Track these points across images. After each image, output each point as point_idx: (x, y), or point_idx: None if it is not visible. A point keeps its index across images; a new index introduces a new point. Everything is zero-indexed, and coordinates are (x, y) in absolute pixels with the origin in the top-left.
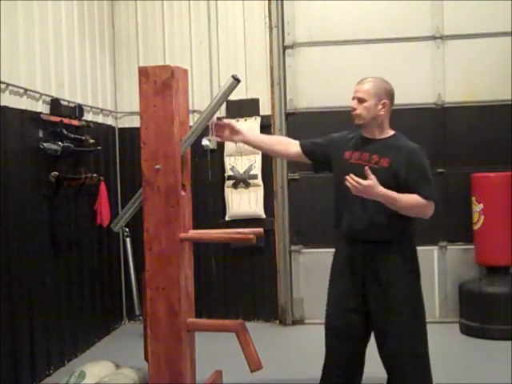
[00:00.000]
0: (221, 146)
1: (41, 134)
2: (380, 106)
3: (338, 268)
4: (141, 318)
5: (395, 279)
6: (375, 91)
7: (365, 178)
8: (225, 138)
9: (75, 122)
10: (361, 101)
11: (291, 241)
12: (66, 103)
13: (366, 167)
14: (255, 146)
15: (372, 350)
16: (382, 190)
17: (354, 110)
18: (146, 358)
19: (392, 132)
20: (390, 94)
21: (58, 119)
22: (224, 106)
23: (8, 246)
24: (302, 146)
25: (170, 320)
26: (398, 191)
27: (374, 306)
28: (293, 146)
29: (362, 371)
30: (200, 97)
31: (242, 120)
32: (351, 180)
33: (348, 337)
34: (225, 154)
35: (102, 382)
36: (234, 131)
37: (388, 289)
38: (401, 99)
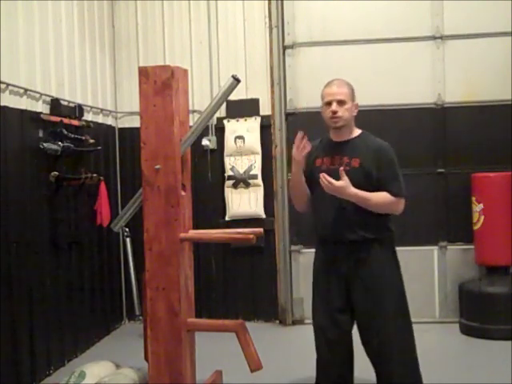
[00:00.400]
0: (221, 145)
1: (41, 134)
2: (353, 108)
3: (321, 269)
4: (141, 317)
5: (377, 277)
6: (350, 93)
7: (339, 179)
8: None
9: (75, 122)
10: (341, 103)
11: (291, 241)
12: (66, 103)
13: (341, 168)
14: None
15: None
16: (353, 190)
17: (335, 113)
18: (146, 358)
19: (359, 131)
20: (354, 95)
21: (58, 119)
22: (224, 105)
23: (8, 246)
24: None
25: (170, 320)
26: (371, 190)
27: (358, 304)
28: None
29: (352, 366)
30: (200, 97)
31: (242, 120)
32: (324, 179)
33: (337, 336)
34: (225, 154)
35: (102, 382)
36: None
37: (371, 287)
38: (401, 99)
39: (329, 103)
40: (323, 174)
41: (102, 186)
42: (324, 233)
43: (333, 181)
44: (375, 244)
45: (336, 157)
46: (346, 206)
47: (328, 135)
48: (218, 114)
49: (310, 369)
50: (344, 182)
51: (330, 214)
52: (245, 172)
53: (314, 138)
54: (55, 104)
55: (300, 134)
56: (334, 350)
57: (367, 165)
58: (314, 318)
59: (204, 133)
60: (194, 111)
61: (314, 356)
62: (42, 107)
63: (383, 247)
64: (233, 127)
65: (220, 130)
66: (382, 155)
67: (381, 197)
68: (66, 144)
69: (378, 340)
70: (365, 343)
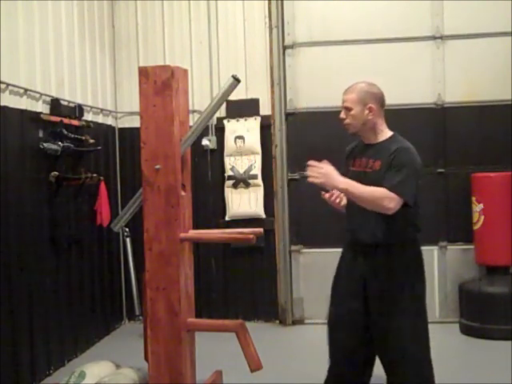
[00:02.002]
0: (221, 145)
1: (41, 134)
2: (367, 111)
3: (342, 271)
4: (141, 317)
5: (396, 283)
6: (359, 97)
7: (363, 182)
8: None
9: (75, 122)
10: (348, 109)
11: (291, 241)
12: (66, 103)
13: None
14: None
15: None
16: (338, 179)
17: (343, 119)
18: (146, 358)
19: (389, 134)
20: (377, 98)
21: (58, 119)
22: (224, 105)
23: (8, 246)
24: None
25: (170, 320)
26: None
27: (374, 308)
28: None
29: (370, 366)
30: (200, 97)
31: (242, 120)
32: (310, 167)
33: (352, 329)
34: (225, 154)
35: (102, 381)
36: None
37: (389, 292)
38: (401, 99)
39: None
40: (310, 161)
41: (102, 186)
42: (348, 236)
43: (318, 165)
44: (395, 249)
45: (364, 159)
46: (373, 212)
47: (361, 138)
48: (217, 114)
49: (309, 369)
50: (325, 169)
51: (354, 219)
52: (245, 172)
53: (314, 138)
54: (55, 104)
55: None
56: (349, 342)
57: (385, 166)
58: (330, 314)
59: (204, 133)
60: (194, 111)
61: (314, 356)
62: (42, 107)
63: (403, 253)
64: (233, 127)
65: (220, 130)
66: (397, 155)
67: (366, 188)
68: (66, 144)
69: (392, 347)
70: (378, 349)
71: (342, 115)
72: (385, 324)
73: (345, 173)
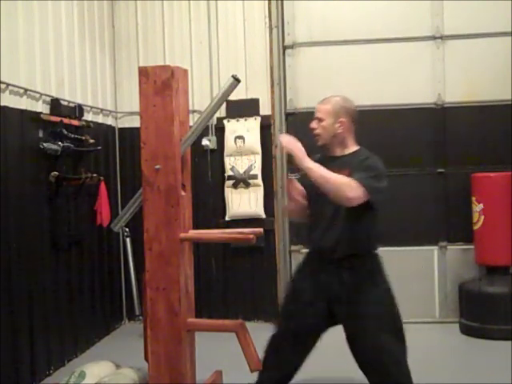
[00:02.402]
0: (221, 145)
1: (41, 134)
2: (338, 125)
3: (302, 281)
4: (141, 317)
5: (362, 291)
6: (333, 110)
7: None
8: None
9: (75, 122)
10: (320, 120)
11: (291, 241)
12: (66, 103)
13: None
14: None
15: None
16: (307, 157)
17: (313, 129)
18: (146, 358)
19: (355, 148)
20: (350, 113)
21: (58, 119)
22: (224, 105)
23: (8, 245)
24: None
25: (170, 320)
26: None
27: (344, 319)
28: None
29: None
30: (200, 97)
31: (242, 120)
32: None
33: (302, 343)
34: (225, 153)
35: (102, 382)
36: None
37: (358, 302)
38: (401, 99)
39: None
40: (282, 134)
41: (102, 186)
42: (313, 246)
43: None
44: (359, 259)
45: (332, 167)
46: (338, 223)
47: (325, 151)
48: (217, 114)
49: (309, 369)
50: (293, 144)
51: (321, 229)
52: (245, 172)
53: (314, 138)
54: (55, 104)
55: (288, 181)
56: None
57: (355, 172)
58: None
59: (204, 133)
60: (194, 111)
61: (314, 356)
62: (42, 107)
63: (367, 261)
64: (233, 127)
65: (220, 130)
66: (366, 161)
67: (333, 174)
68: (66, 144)
69: (365, 350)
70: (354, 353)
71: (314, 125)
72: (358, 333)
73: (308, 183)
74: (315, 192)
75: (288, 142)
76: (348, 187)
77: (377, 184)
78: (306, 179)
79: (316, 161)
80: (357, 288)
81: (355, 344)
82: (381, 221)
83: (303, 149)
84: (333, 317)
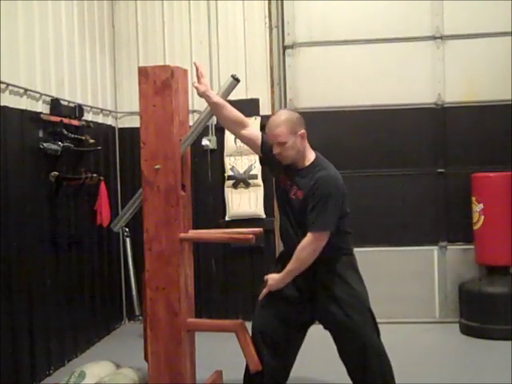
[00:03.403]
0: (221, 145)
1: (41, 134)
2: (299, 139)
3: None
4: (141, 317)
5: (333, 289)
6: (289, 128)
7: (290, 204)
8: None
9: (75, 122)
10: (282, 144)
11: None
12: (66, 103)
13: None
14: (215, 110)
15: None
16: (281, 280)
17: (279, 154)
18: (146, 358)
19: (313, 157)
20: (301, 122)
21: (58, 119)
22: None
23: (8, 245)
24: (262, 145)
25: (170, 320)
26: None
27: (321, 319)
28: (255, 137)
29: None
30: (200, 97)
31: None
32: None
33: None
34: (225, 153)
35: (102, 382)
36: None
37: (331, 299)
38: (401, 99)
39: (272, 144)
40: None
41: (102, 186)
42: (286, 247)
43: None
44: (332, 261)
45: (288, 181)
46: (298, 226)
47: None
48: None
49: (309, 368)
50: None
51: (289, 232)
52: (245, 172)
53: (314, 138)
54: (55, 104)
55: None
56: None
57: (307, 196)
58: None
59: (204, 133)
60: (193, 111)
61: (313, 356)
62: (42, 107)
63: (340, 263)
64: None
65: (220, 130)
66: (319, 186)
67: (297, 260)
68: (65, 144)
69: (352, 354)
70: (341, 356)
71: (277, 150)
72: (336, 331)
73: (277, 178)
74: (283, 199)
75: (272, 287)
76: (311, 252)
77: (330, 217)
78: (279, 187)
79: (285, 169)
80: (329, 286)
81: (338, 338)
82: (349, 224)
83: (275, 279)
84: (310, 317)
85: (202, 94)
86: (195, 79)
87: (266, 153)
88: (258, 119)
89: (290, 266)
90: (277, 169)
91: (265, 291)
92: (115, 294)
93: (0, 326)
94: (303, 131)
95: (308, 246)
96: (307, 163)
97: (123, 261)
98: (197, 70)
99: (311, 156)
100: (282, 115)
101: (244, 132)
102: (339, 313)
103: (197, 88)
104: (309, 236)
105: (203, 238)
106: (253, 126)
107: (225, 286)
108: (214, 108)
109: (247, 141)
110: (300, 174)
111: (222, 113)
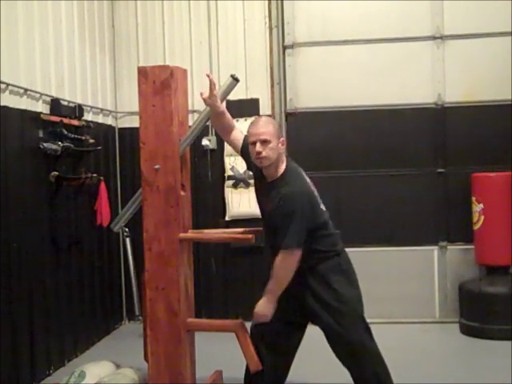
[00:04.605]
0: (221, 145)
1: (41, 134)
2: (280, 145)
3: None
4: (141, 317)
5: (325, 297)
6: (275, 130)
7: (263, 214)
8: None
9: (75, 122)
10: (265, 143)
11: None
12: (65, 103)
13: None
14: (217, 119)
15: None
16: (266, 306)
17: (259, 153)
18: (146, 358)
19: (282, 169)
20: (281, 131)
21: (57, 119)
22: (224, 105)
23: (8, 245)
24: (242, 147)
25: (170, 320)
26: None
27: (313, 322)
28: (238, 140)
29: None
30: (200, 97)
31: (242, 120)
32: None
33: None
34: (225, 154)
35: (102, 382)
36: (212, 94)
37: (320, 308)
38: (401, 99)
39: (254, 143)
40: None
41: (102, 186)
42: (269, 254)
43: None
44: (315, 270)
45: (263, 190)
46: (272, 236)
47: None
48: None
49: (309, 368)
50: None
51: (267, 238)
52: (245, 172)
53: (314, 138)
54: (55, 104)
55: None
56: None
57: (274, 211)
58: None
59: (204, 133)
60: (193, 111)
61: (313, 355)
62: (42, 107)
63: (325, 271)
64: None
65: None
66: (282, 206)
67: (276, 280)
68: (65, 144)
69: (347, 356)
70: (333, 349)
71: (259, 148)
72: (328, 332)
73: (255, 183)
74: (260, 207)
75: (259, 318)
76: (285, 262)
77: (297, 234)
78: (258, 195)
79: (259, 179)
80: (316, 293)
81: (329, 341)
82: (331, 226)
83: (260, 305)
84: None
85: (209, 105)
86: (202, 88)
87: (246, 156)
88: None
89: (270, 286)
90: (254, 176)
91: (255, 321)
92: (115, 294)
93: (0, 326)
94: (284, 139)
95: (280, 264)
96: (277, 175)
97: (123, 261)
98: (210, 82)
99: (282, 168)
100: (269, 119)
101: (231, 136)
102: (328, 318)
103: (204, 100)
104: (280, 254)
105: (203, 238)
106: (237, 130)
107: (225, 286)
108: (217, 116)
109: (232, 143)
110: (271, 185)
111: (221, 120)
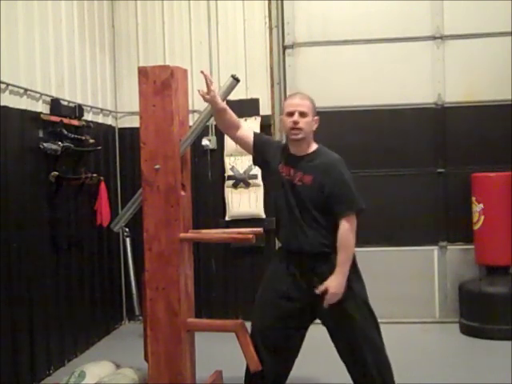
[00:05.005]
0: (221, 145)
1: (41, 134)
2: (314, 123)
3: (276, 278)
4: (141, 317)
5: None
6: (313, 106)
7: (295, 191)
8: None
9: (75, 122)
10: (303, 115)
11: None
12: (65, 103)
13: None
14: (219, 114)
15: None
16: (340, 286)
17: (296, 123)
18: (146, 358)
19: (315, 146)
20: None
21: (57, 119)
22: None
23: (8, 245)
24: (254, 144)
25: (170, 320)
26: (323, 206)
27: (321, 315)
28: (247, 136)
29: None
30: (200, 97)
31: (241, 120)
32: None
33: (283, 350)
34: (225, 153)
35: (102, 382)
36: (209, 89)
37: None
38: (401, 99)
39: (291, 114)
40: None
41: (102, 186)
42: (282, 243)
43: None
44: (331, 256)
45: (292, 169)
46: (304, 222)
47: (287, 146)
48: None
49: (309, 368)
50: (333, 289)
51: (288, 226)
52: (245, 172)
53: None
54: (55, 104)
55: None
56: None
57: (319, 181)
58: (259, 330)
59: (204, 133)
60: (193, 111)
61: (313, 355)
62: (42, 107)
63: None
64: None
65: (220, 130)
66: (333, 171)
67: (345, 253)
68: (65, 144)
69: (346, 345)
70: (338, 352)
71: (296, 118)
72: (336, 327)
73: (274, 170)
74: (285, 190)
75: (333, 297)
76: (353, 236)
77: (356, 195)
78: (278, 180)
79: (282, 152)
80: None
81: (335, 337)
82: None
83: (334, 284)
84: (311, 313)
85: (208, 101)
86: (202, 88)
87: (259, 150)
88: (258, 119)
89: (341, 258)
90: (274, 161)
91: (329, 302)
92: (115, 294)
93: (0, 326)
94: (317, 118)
95: (350, 228)
96: (311, 149)
97: (123, 261)
98: (205, 78)
99: (314, 145)
100: (307, 95)
101: (238, 133)
102: (338, 309)
103: (202, 96)
104: (345, 221)
105: (203, 238)
106: (244, 128)
107: (225, 286)
108: (218, 113)
109: (240, 141)
110: (305, 159)
111: (223, 117)
